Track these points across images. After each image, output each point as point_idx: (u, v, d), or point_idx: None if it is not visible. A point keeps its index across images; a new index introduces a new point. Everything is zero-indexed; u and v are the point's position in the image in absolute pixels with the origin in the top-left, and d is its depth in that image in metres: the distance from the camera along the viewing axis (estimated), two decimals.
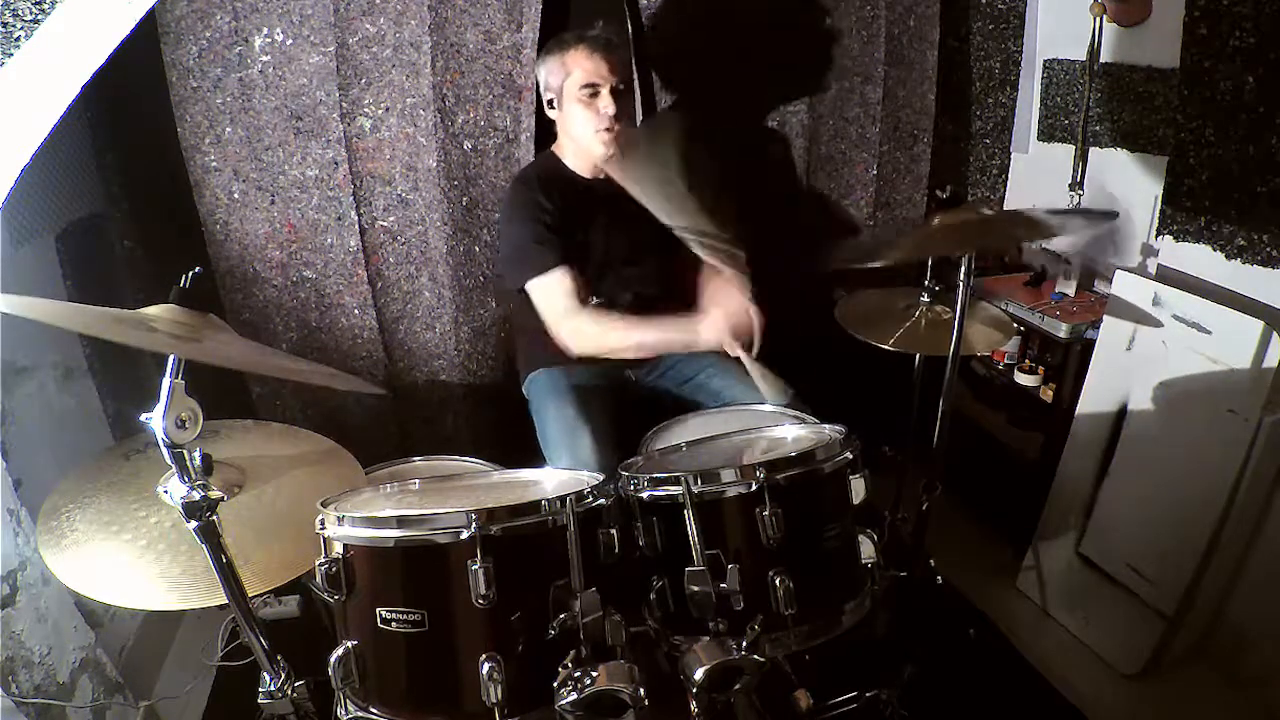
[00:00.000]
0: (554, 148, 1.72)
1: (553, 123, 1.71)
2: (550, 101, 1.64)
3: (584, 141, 1.62)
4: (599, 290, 1.71)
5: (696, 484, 1.10)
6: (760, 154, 2.17)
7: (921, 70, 2.20)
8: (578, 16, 1.89)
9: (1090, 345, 1.85)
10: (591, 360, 1.66)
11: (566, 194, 1.64)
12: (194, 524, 0.91)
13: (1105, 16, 1.86)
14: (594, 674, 0.93)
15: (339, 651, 1.00)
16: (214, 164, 1.75)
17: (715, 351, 1.75)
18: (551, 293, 1.58)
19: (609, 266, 1.70)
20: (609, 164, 1.55)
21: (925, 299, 1.68)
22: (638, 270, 1.73)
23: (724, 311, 1.53)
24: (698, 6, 1.96)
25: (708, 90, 2.03)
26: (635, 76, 1.93)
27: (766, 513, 1.07)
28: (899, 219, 2.34)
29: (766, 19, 2.00)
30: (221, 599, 0.96)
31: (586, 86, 1.57)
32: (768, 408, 1.56)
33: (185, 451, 0.89)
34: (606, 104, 1.57)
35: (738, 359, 1.72)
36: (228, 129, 1.73)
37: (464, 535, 0.95)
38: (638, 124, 1.79)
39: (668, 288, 1.76)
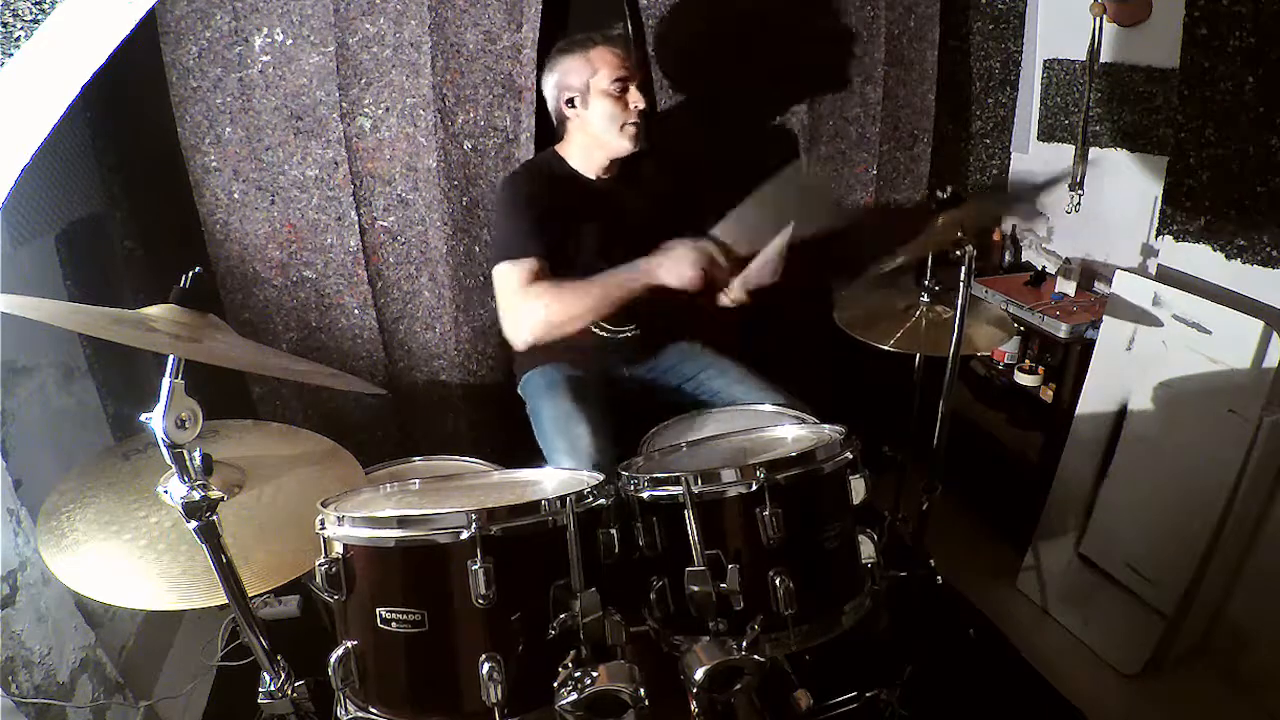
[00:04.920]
0: (557, 147, 1.71)
1: (553, 124, 1.70)
2: (570, 101, 1.61)
3: (609, 137, 1.61)
4: None
5: (696, 484, 1.10)
6: (762, 154, 2.17)
7: (921, 70, 2.20)
8: (578, 16, 1.89)
9: (1090, 345, 1.85)
10: (586, 357, 1.66)
11: (567, 192, 1.64)
12: (194, 524, 0.91)
13: (1105, 16, 1.86)
14: (594, 674, 0.93)
15: (339, 651, 1.00)
16: (214, 164, 1.75)
17: (715, 351, 1.75)
18: (510, 277, 1.50)
19: (603, 266, 1.70)
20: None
21: (925, 299, 1.68)
22: None
23: (682, 250, 1.46)
24: (699, 6, 1.96)
25: (708, 90, 2.03)
26: None
27: (766, 513, 1.07)
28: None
29: (767, 19, 2.00)
30: (221, 599, 0.95)
31: (617, 81, 1.57)
32: (768, 407, 1.57)
33: (185, 451, 0.89)
34: (637, 98, 1.59)
35: (736, 359, 1.72)
36: (228, 129, 1.73)
37: (464, 535, 0.95)
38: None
39: (661, 288, 1.76)
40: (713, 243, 1.48)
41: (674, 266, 1.46)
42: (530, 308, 1.48)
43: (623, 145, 1.61)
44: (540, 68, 1.73)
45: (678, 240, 1.49)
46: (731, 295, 1.54)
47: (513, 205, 1.62)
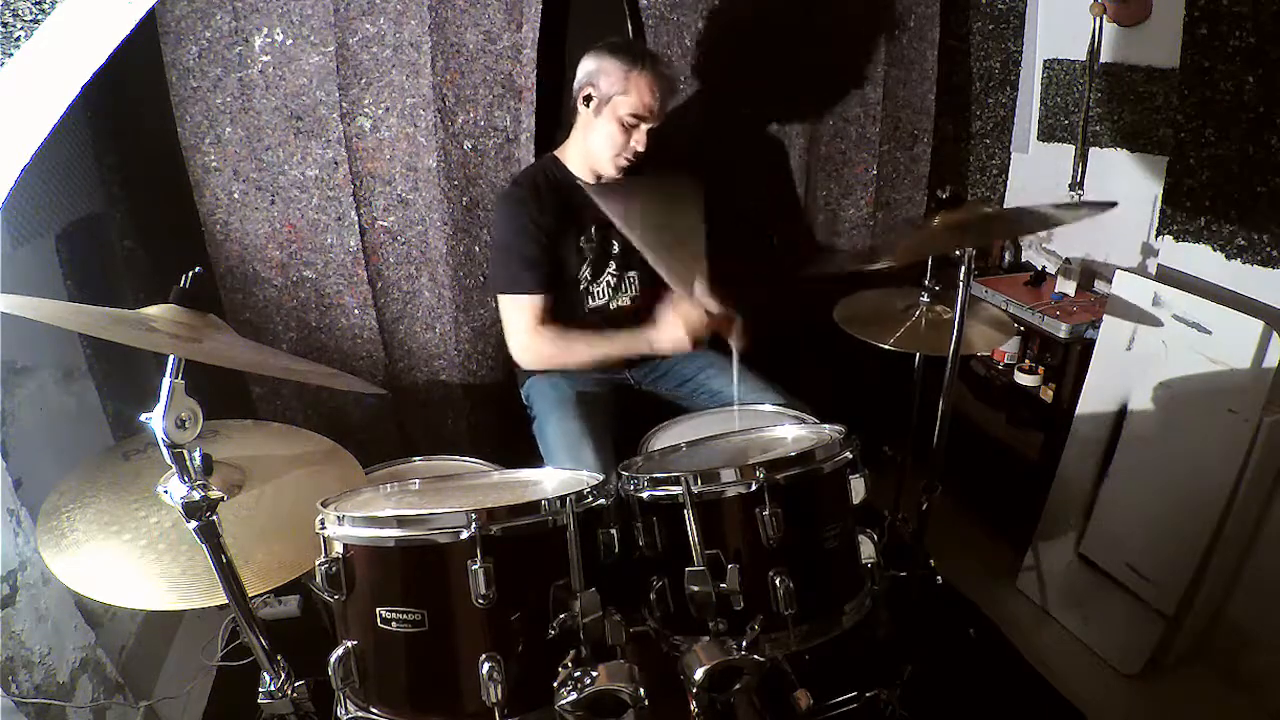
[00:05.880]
0: (558, 151, 1.71)
1: (553, 123, 1.70)
2: (588, 99, 1.59)
3: (600, 155, 1.62)
4: (595, 293, 1.71)
5: (696, 484, 1.10)
6: (759, 155, 2.17)
7: (921, 70, 2.20)
8: (578, 16, 1.89)
9: (1090, 345, 1.85)
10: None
11: (567, 200, 1.64)
12: (194, 524, 0.91)
13: (1105, 16, 1.87)
14: (594, 674, 0.93)
15: (339, 651, 1.00)
16: (214, 164, 1.75)
17: (714, 351, 1.75)
18: (519, 312, 1.62)
19: (606, 269, 1.70)
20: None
21: (925, 299, 1.68)
22: (635, 273, 1.74)
23: (678, 316, 1.55)
24: (699, 6, 1.96)
25: (709, 90, 2.03)
26: None
27: (766, 513, 1.07)
28: (899, 219, 2.34)
29: (768, 19, 2.00)
30: (221, 599, 0.95)
31: (635, 115, 1.56)
32: (767, 407, 1.57)
33: (185, 451, 0.89)
34: (640, 140, 1.59)
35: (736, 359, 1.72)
36: (228, 129, 1.73)
37: (464, 535, 0.95)
38: None
39: (663, 291, 1.76)
40: (698, 303, 1.56)
41: (669, 336, 1.57)
42: (538, 346, 1.62)
43: (607, 170, 1.63)
44: (547, 66, 1.73)
45: (668, 307, 1.58)
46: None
47: (511, 228, 1.62)
